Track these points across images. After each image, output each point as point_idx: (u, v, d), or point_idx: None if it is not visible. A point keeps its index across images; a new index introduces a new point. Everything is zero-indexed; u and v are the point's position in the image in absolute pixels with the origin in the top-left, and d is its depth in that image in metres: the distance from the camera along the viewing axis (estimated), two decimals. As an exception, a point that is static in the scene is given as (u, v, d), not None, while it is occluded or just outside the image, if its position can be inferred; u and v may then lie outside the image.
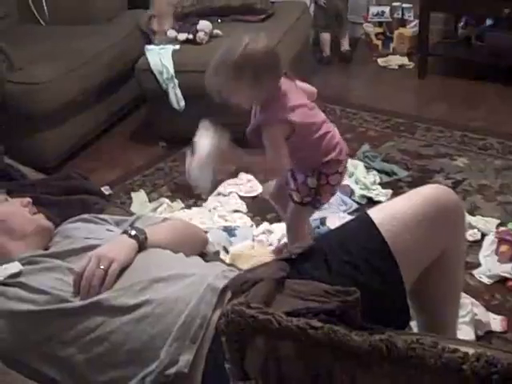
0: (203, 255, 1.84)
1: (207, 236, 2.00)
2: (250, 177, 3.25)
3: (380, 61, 4.89)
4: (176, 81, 3.52)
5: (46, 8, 4.12)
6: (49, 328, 1.44)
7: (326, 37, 4.92)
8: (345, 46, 4.98)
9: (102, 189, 2.48)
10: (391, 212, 1.58)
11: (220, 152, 1.99)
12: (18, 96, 3.23)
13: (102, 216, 1.86)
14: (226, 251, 2.59)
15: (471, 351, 0.76)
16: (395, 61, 4.84)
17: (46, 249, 1.67)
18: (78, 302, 1.46)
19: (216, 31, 3.72)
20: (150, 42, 3.78)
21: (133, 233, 1.61)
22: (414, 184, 3.00)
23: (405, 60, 4.83)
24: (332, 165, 2.16)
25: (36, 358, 1.45)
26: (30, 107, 3.27)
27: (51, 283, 1.50)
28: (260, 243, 2.67)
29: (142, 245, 1.60)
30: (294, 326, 0.80)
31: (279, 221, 2.83)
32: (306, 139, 2.10)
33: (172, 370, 1.37)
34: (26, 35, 3.82)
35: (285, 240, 2.58)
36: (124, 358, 1.41)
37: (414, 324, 1.81)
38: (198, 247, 1.87)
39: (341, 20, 4.90)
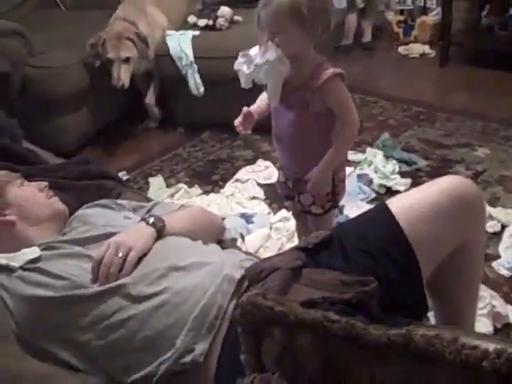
0: (220, 242, 1.83)
1: (224, 223, 1.99)
2: (268, 163, 3.24)
3: (401, 49, 4.84)
4: (195, 67, 3.51)
5: (66, -8, 4.13)
6: (65, 313, 1.45)
7: (351, 19, 4.79)
8: (367, 36, 4.91)
9: (120, 174, 2.47)
10: (410, 202, 1.56)
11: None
12: (37, 80, 3.24)
13: (119, 201, 1.86)
14: (243, 238, 2.59)
15: (492, 348, 0.74)
16: (416, 49, 4.78)
17: (63, 234, 1.68)
18: (95, 289, 1.46)
19: (236, 17, 3.70)
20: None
21: (151, 221, 1.60)
22: (433, 174, 2.98)
23: (426, 48, 4.78)
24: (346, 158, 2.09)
25: (51, 342, 1.45)
26: (49, 92, 3.28)
27: (69, 269, 1.50)
28: (277, 230, 2.66)
29: (160, 233, 1.60)
30: (311, 318, 0.79)
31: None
32: None
33: (187, 359, 1.36)
34: (46, 20, 3.83)
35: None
36: (139, 345, 1.41)
37: (431, 314, 1.80)
38: (215, 235, 1.86)
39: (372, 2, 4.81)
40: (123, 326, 1.42)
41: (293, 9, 1.76)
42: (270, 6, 1.79)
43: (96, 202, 1.81)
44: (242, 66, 1.87)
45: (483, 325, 2.03)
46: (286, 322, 0.78)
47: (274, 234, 2.66)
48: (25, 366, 0.71)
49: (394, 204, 1.55)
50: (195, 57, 3.50)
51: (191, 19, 3.76)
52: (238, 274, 1.48)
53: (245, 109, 2.01)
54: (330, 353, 0.77)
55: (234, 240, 2.52)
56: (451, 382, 0.73)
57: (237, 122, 2.01)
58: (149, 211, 1.77)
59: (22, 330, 1.46)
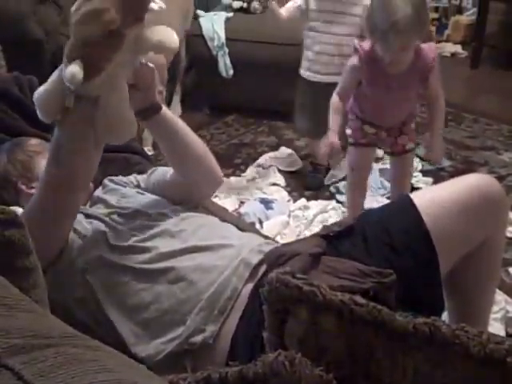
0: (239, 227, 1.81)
1: (222, 178, 1.88)
2: (291, 151, 3.24)
3: (433, 47, 4.80)
4: (226, 49, 3.51)
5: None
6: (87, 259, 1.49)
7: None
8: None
9: (145, 149, 2.48)
10: (434, 197, 1.57)
11: None
12: (69, 49, 3.24)
13: (129, 178, 1.84)
14: (261, 224, 2.60)
15: (515, 345, 0.75)
16: (448, 48, 4.75)
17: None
18: (113, 258, 1.48)
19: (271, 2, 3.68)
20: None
21: None
22: (456, 174, 2.94)
23: (458, 48, 4.74)
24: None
25: (71, 298, 1.48)
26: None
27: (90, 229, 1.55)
28: (295, 218, 2.67)
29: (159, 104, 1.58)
30: (339, 300, 0.79)
31: (317, 198, 2.82)
32: None
33: (197, 339, 1.37)
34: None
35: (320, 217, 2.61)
36: (151, 316, 1.42)
37: (444, 316, 1.79)
38: (212, 180, 1.78)
39: None
40: (137, 296, 1.44)
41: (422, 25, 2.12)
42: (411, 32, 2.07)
43: (111, 178, 1.81)
44: None
45: (496, 329, 2.02)
46: (312, 302, 0.79)
47: (292, 221, 2.67)
48: (51, 324, 0.73)
49: (419, 197, 1.56)
50: (227, 38, 3.50)
51: (226, 0, 3.75)
52: (255, 259, 1.48)
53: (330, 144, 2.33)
54: (353, 337, 0.78)
55: (253, 224, 2.53)
56: (473, 376, 0.74)
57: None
58: (151, 173, 1.78)
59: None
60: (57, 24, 3.25)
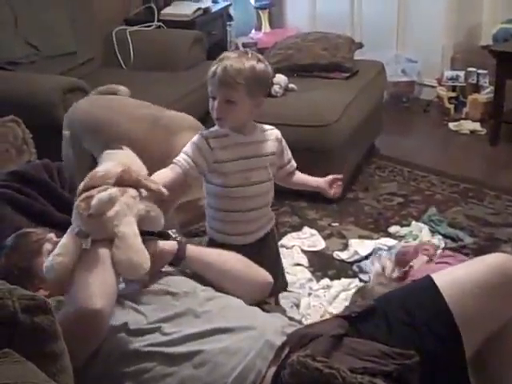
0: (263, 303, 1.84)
1: (269, 284, 1.95)
2: (314, 231, 3.26)
3: (451, 125, 4.86)
4: (248, 130, 3.57)
5: (132, 54, 4.34)
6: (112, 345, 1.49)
7: None
8: None
9: (170, 232, 2.51)
10: (455, 277, 1.58)
11: None
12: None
13: None
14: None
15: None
16: (467, 126, 4.79)
17: None
18: (137, 344, 1.49)
19: (291, 85, 3.79)
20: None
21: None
22: (479, 251, 2.95)
23: (477, 126, 4.79)
24: None
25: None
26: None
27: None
28: (317, 297, 2.66)
29: (181, 250, 1.76)
30: (358, 383, 0.80)
31: (339, 278, 2.82)
32: None
33: None
34: (109, 78, 3.96)
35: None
36: None
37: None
38: (256, 289, 1.86)
39: None
40: (163, 382, 1.44)
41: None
42: None
43: None
44: None
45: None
46: (332, 385, 0.80)
47: (314, 301, 2.66)
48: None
49: (440, 278, 1.57)
50: (249, 122, 3.57)
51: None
52: (278, 341, 1.49)
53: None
54: (373, 420, 0.79)
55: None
56: None
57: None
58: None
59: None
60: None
